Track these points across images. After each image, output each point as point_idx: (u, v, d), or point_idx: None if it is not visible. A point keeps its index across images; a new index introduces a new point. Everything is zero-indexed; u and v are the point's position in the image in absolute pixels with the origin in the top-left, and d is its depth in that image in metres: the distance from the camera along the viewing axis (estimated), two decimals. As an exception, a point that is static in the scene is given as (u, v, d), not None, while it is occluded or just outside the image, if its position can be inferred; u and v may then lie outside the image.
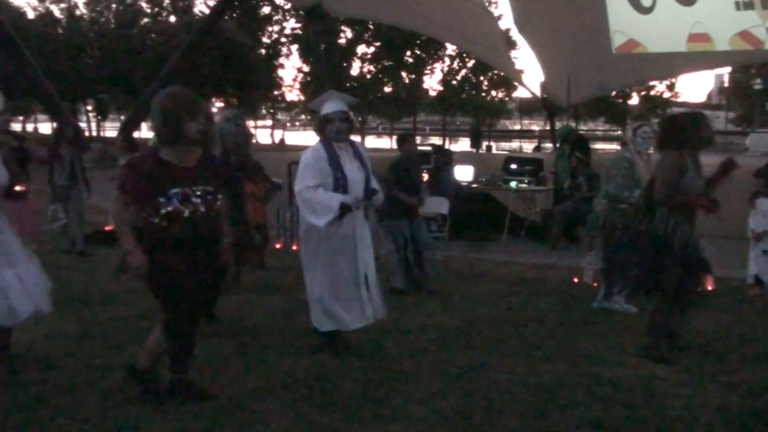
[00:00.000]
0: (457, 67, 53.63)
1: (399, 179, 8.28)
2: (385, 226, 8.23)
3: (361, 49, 52.31)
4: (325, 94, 5.91)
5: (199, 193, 4.42)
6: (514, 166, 13.09)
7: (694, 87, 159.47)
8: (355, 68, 52.79)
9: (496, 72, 47.80)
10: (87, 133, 40.49)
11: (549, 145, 30.07)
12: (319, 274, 5.65)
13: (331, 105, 5.70)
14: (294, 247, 9.51)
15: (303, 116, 72.37)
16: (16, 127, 65.83)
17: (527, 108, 65.59)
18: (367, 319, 5.77)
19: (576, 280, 8.63)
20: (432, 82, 58.97)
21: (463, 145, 56.49)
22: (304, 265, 5.77)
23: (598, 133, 71.23)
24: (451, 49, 49.46)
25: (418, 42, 48.89)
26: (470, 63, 51.36)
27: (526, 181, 12.47)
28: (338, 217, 5.51)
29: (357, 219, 5.69)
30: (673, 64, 14.22)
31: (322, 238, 5.59)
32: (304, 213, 5.62)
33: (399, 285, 8.11)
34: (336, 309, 5.67)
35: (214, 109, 46.81)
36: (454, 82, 54.08)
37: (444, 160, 12.29)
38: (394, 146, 9.86)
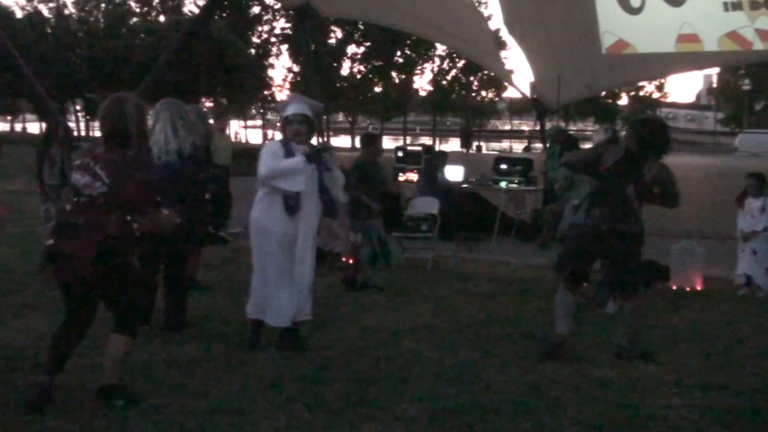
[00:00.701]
0: (447, 68, 53.71)
1: (363, 180, 8.30)
2: (357, 225, 8.31)
3: (351, 49, 52.32)
4: (289, 97, 6.15)
5: None
6: (504, 166, 13.10)
7: (683, 87, 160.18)
8: (345, 68, 52.80)
9: (486, 72, 47.87)
10: (76, 133, 40.28)
11: (539, 145, 30.09)
12: (262, 267, 5.86)
13: (292, 108, 5.95)
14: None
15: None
16: (5, 127, 65.61)
17: (517, 108, 65.62)
18: (283, 322, 5.84)
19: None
20: (422, 83, 59.08)
21: (453, 145, 56.49)
22: (253, 258, 5.97)
23: (587, 133, 71.31)
24: (441, 49, 49.55)
25: (408, 42, 48.93)
26: (460, 63, 51.44)
27: (516, 181, 12.49)
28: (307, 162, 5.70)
29: (302, 221, 5.77)
30: (662, 64, 14.27)
31: (268, 234, 5.78)
32: (278, 186, 5.75)
33: (372, 282, 8.21)
34: (265, 302, 5.84)
35: (205, 109, 46.78)
36: (444, 83, 54.13)
37: (439, 161, 12.29)
38: (385, 146, 9.83)
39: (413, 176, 12.88)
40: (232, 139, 58.02)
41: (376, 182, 8.46)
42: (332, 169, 5.87)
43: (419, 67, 53.67)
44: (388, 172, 13.13)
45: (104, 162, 4.47)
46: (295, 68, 51.25)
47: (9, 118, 64.82)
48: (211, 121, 9.36)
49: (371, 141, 8.80)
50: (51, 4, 46.92)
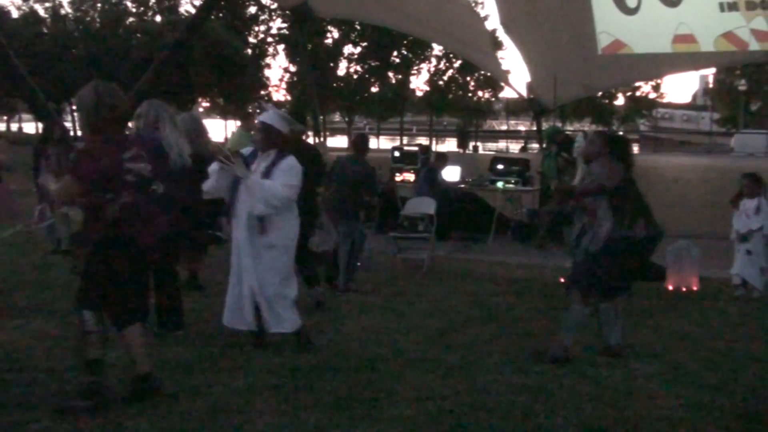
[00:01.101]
0: (443, 68, 53.62)
1: (362, 185, 8.36)
2: (345, 226, 8.30)
3: (348, 49, 52.26)
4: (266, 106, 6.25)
5: None
6: (500, 167, 13.10)
7: (679, 88, 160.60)
8: (342, 68, 52.76)
9: (482, 72, 47.84)
10: (72, 133, 40.13)
11: (535, 145, 30.14)
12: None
13: (260, 117, 6.05)
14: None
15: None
16: (1, 126, 65.52)
17: (514, 108, 65.58)
18: (246, 324, 5.85)
19: (562, 280, 8.64)
20: (419, 83, 58.96)
21: (449, 145, 56.52)
22: None
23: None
24: (437, 49, 49.49)
25: (405, 42, 48.86)
26: (457, 63, 51.38)
27: (512, 181, 12.50)
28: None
29: (235, 227, 5.78)
30: (659, 64, 14.29)
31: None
32: None
33: (343, 285, 8.20)
34: (228, 305, 5.90)
35: (201, 109, 46.68)
36: (440, 83, 54.10)
37: (439, 163, 12.29)
38: (382, 146, 9.85)
39: (410, 176, 12.90)
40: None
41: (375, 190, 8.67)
42: (243, 177, 5.61)
43: (416, 67, 53.58)
44: (385, 173, 13.17)
45: (140, 146, 4.72)
46: (292, 68, 51.23)
47: (5, 118, 64.68)
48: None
49: (366, 146, 8.72)
50: (47, 4, 46.74)
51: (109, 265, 4.48)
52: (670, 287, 8.43)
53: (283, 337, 5.94)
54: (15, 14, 45.36)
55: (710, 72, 58.98)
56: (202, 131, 7.20)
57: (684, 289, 8.37)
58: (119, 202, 4.47)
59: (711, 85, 65.93)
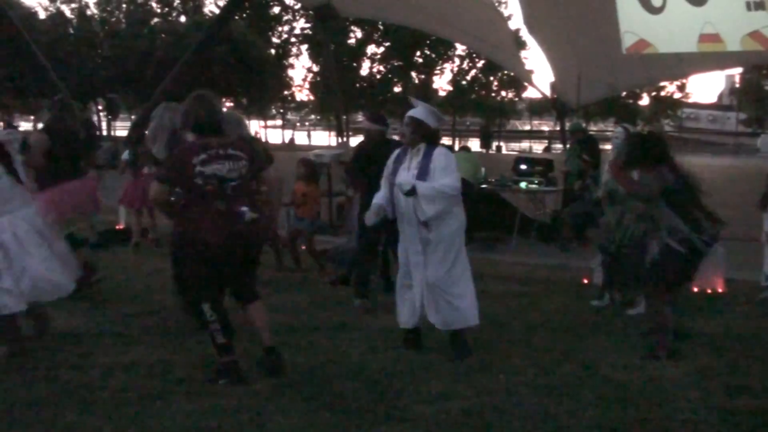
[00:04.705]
0: (466, 68, 53.52)
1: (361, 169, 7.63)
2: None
3: (371, 49, 52.32)
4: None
5: None
6: (524, 167, 13.03)
7: (705, 88, 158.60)
8: (365, 68, 52.82)
9: (506, 72, 47.72)
10: (97, 132, 40.45)
11: (559, 145, 30.00)
12: None
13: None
14: (303, 247, 9.51)
15: (313, 116, 72.50)
16: (26, 125, 66.26)
17: (537, 108, 65.31)
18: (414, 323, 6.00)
19: (585, 281, 8.60)
20: (442, 83, 58.98)
21: (473, 145, 56.38)
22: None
23: (608, 133, 70.97)
24: (460, 49, 49.40)
25: (428, 42, 48.84)
26: (480, 63, 51.27)
27: (536, 181, 12.43)
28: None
29: (407, 228, 5.77)
30: (684, 64, 14.19)
31: None
32: None
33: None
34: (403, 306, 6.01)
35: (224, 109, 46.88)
36: (463, 83, 54.00)
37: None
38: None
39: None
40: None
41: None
42: (413, 186, 5.57)
43: (439, 67, 53.55)
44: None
45: (230, 145, 5.00)
46: (315, 68, 51.37)
47: (32, 118, 65.52)
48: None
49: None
50: (73, 5, 47.22)
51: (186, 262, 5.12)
52: (695, 289, 8.33)
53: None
54: (42, 15, 45.86)
55: (736, 72, 58.31)
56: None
57: (709, 291, 8.28)
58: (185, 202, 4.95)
59: (737, 85, 65.25)
